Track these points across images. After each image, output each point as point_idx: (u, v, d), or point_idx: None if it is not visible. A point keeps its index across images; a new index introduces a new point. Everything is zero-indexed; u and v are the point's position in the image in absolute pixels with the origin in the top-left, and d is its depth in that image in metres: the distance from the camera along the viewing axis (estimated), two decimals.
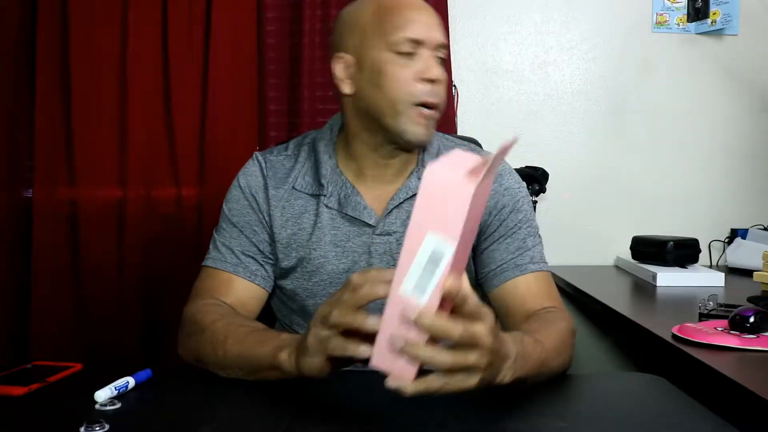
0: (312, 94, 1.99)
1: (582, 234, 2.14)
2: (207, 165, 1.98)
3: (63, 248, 1.95)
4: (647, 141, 2.17)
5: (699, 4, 2.12)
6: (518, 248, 1.10)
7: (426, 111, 1.04)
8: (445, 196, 0.65)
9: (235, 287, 1.09)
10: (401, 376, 0.69)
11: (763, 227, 2.08)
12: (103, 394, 0.83)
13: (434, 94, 1.04)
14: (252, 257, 1.11)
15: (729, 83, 2.17)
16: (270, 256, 1.12)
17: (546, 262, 1.12)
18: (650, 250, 1.87)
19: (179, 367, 1.01)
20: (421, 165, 1.12)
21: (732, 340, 1.09)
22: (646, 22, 2.15)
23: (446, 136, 1.23)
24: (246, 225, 1.12)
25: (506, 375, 0.79)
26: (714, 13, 2.10)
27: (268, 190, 1.12)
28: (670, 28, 2.15)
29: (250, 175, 1.15)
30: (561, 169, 2.10)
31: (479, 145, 1.37)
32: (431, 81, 1.03)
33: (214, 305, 1.05)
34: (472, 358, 0.71)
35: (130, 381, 0.87)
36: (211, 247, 1.14)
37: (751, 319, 1.12)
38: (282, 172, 1.14)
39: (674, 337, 1.16)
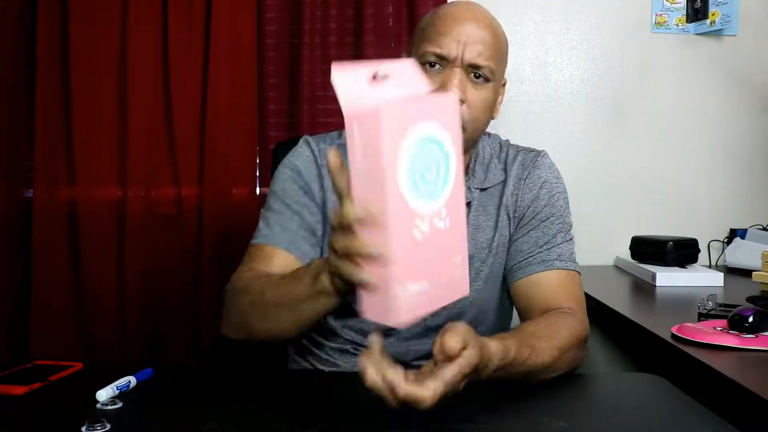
0: (312, 94, 1.99)
1: (581, 234, 2.12)
2: (207, 165, 1.97)
3: (63, 248, 1.95)
4: (647, 141, 2.17)
5: (698, 4, 2.12)
6: (547, 243, 1.09)
7: None
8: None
9: (284, 264, 1.04)
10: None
11: (762, 227, 2.08)
12: (105, 394, 0.83)
13: None
14: (305, 239, 1.08)
15: (728, 83, 2.17)
16: (320, 240, 1.10)
17: (575, 262, 1.10)
18: (650, 250, 1.87)
19: (180, 367, 1.02)
20: (472, 174, 1.12)
21: (731, 340, 1.10)
22: (646, 22, 2.15)
23: (508, 142, 1.21)
24: (302, 206, 1.10)
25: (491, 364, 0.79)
26: (713, 14, 2.10)
27: (322, 180, 1.10)
28: (670, 29, 2.15)
29: (302, 160, 1.13)
30: (560, 169, 2.07)
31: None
32: None
33: (244, 273, 1.03)
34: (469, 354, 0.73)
35: (132, 380, 0.87)
36: (261, 224, 1.11)
37: (750, 319, 1.12)
38: None
39: (674, 336, 1.16)
